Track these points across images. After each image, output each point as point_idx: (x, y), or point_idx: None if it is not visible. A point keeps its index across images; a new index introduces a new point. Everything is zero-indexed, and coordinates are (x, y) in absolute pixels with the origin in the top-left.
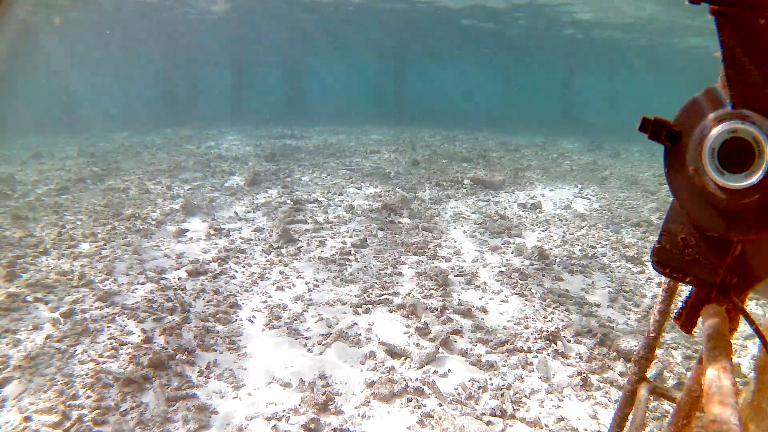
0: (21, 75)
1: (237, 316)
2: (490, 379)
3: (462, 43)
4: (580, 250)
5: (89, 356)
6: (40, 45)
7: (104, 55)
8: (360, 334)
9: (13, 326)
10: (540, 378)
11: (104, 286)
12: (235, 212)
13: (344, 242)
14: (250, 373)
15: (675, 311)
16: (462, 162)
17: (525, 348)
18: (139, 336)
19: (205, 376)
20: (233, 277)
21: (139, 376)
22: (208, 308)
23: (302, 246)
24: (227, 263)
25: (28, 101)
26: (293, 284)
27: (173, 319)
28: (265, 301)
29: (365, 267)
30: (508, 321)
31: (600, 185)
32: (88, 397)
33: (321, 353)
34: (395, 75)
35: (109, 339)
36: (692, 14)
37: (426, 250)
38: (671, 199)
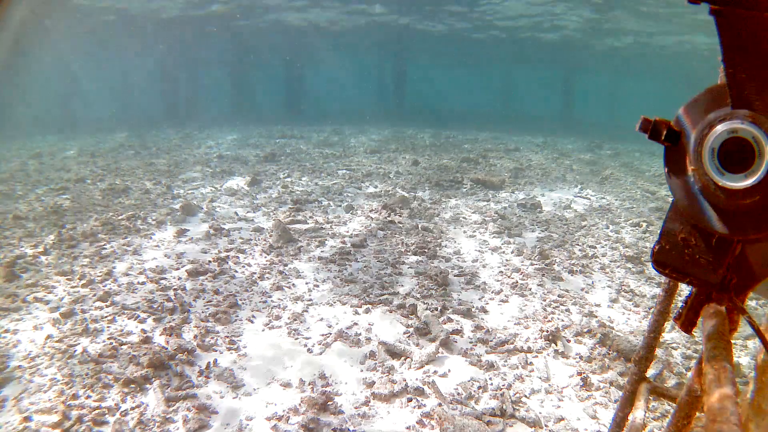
0: (21, 75)
1: (237, 316)
2: (490, 379)
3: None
4: (580, 250)
5: (89, 356)
6: (40, 45)
7: (105, 55)
8: (360, 334)
9: (13, 326)
10: (540, 378)
11: (104, 286)
12: (235, 212)
13: (344, 242)
14: (250, 373)
15: (675, 311)
16: (462, 162)
17: (525, 348)
18: (139, 336)
19: (205, 376)
20: (233, 277)
21: (139, 376)
22: (208, 308)
23: (302, 246)
24: (227, 263)
25: (28, 101)
26: (293, 284)
27: (173, 319)
28: (264, 301)
29: (365, 267)
30: (508, 321)
31: (600, 185)
32: (88, 397)
33: (321, 353)
34: (395, 75)
35: (109, 339)
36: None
37: (426, 250)
38: (671, 199)
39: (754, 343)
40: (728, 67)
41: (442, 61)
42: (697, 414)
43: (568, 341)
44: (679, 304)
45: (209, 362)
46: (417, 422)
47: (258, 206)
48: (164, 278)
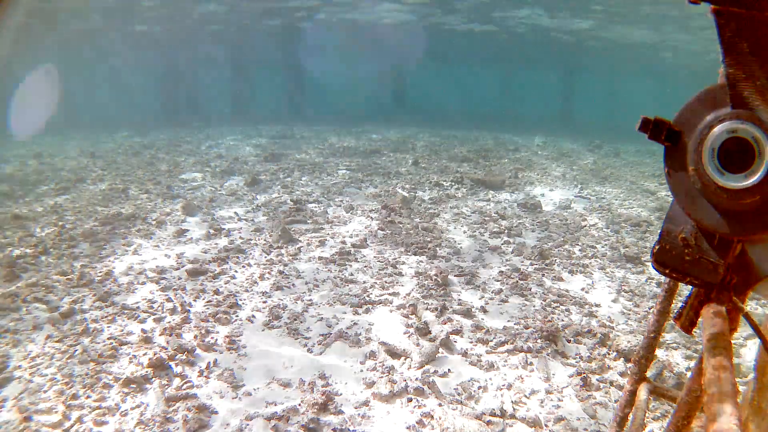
0: (21, 75)
1: (237, 316)
2: (490, 379)
3: (463, 47)
4: (580, 250)
5: (89, 356)
6: (40, 44)
7: (105, 55)
8: (360, 334)
9: (13, 326)
10: (540, 378)
11: (104, 286)
12: (235, 212)
13: (344, 242)
14: (250, 373)
15: (675, 311)
16: (462, 162)
17: (525, 348)
18: (139, 336)
19: (205, 376)
20: (233, 277)
21: (139, 376)
22: (208, 308)
23: (302, 246)
24: (227, 263)
25: (29, 101)
26: (293, 284)
27: (173, 319)
28: (264, 301)
29: (365, 267)
30: (508, 321)
31: (600, 185)
32: (88, 397)
33: (321, 353)
34: (395, 75)
35: (109, 339)
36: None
37: (426, 250)
38: (671, 199)
39: (754, 343)
40: (728, 67)
41: (443, 60)
42: (697, 414)
43: (568, 341)
44: (679, 304)
45: (209, 362)
46: (417, 422)
47: (258, 206)
48: (164, 278)
